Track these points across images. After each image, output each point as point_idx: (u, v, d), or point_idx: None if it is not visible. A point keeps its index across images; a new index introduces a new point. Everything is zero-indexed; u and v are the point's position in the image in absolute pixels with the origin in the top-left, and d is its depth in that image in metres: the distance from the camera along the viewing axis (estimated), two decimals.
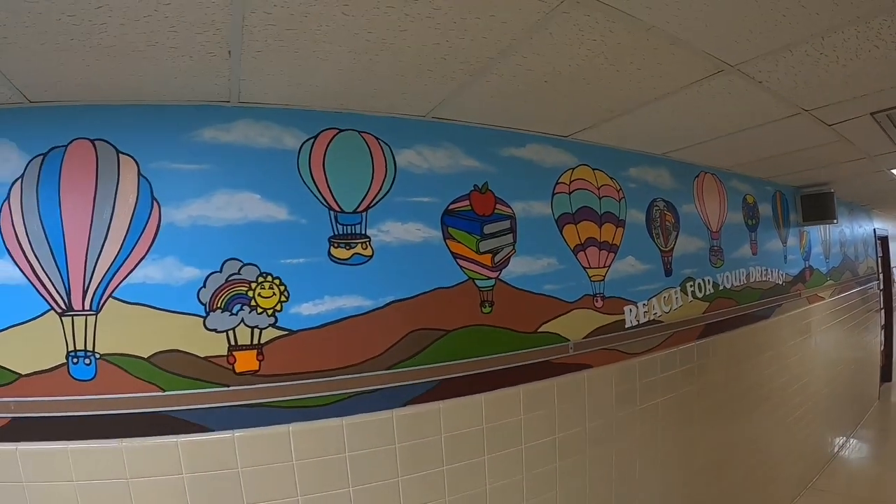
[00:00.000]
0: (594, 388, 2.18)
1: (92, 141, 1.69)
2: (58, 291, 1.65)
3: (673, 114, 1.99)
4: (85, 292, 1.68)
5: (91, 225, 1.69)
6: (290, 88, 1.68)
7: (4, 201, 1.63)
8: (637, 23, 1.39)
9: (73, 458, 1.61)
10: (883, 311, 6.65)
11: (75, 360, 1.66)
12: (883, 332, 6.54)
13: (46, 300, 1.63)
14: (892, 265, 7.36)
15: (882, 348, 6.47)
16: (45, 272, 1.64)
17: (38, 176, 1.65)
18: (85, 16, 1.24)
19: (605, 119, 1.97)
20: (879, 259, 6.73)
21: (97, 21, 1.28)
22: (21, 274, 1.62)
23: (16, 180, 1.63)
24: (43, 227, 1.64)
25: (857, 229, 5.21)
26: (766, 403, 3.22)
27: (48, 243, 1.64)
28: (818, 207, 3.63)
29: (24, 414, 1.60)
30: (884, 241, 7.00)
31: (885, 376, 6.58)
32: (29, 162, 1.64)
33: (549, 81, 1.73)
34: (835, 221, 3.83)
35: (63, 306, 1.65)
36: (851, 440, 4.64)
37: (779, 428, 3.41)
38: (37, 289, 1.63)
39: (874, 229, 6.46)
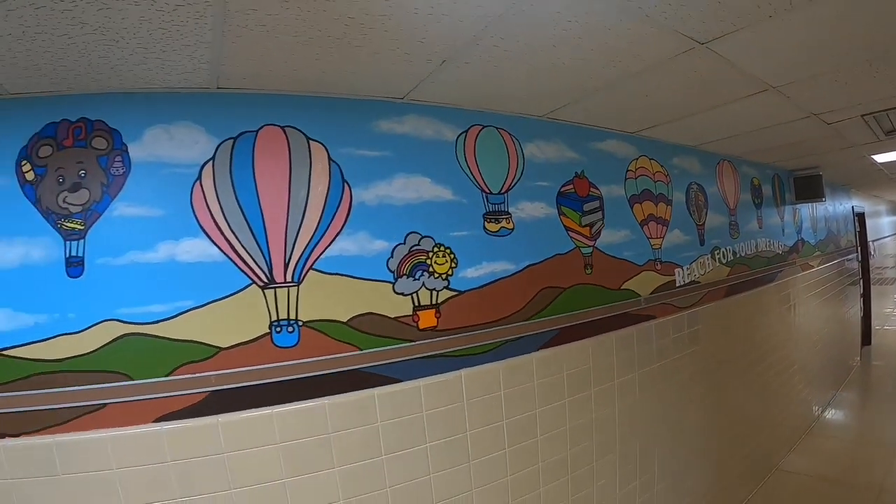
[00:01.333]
0: (659, 335, 1.80)
1: (282, 128, 1.07)
2: (259, 266, 1.03)
3: (718, 118, 1.64)
4: (286, 266, 1.05)
5: (288, 205, 1.06)
6: (455, 91, 1.20)
7: (196, 181, 0.99)
8: (722, 61, 1.11)
9: (278, 422, 1.03)
10: (861, 280, 4.98)
11: (278, 329, 1.04)
12: (862, 300, 4.90)
13: (248, 275, 1.02)
14: (868, 239, 5.49)
15: (862, 315, 4.83)
16: (245, 249, 1.01)
17: (231, 158, 1.02)
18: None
19: (666, 122, 1.64)
20: (857, 234, 5.02)
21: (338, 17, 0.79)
22: (219, 251, 1.00)
23: (206, 162, 1.00)
24: (241, 208, 1.02)
25: (838, 207, 4.16)
26: (776, 352, 2.66)
27: (247, 222, 1.02)
28: (809, 188, 2.97)
29: (225, 386, 0.99)
30: (861, 217, 5.27)
31: (866, 340, 4.95)
32: (219, 145, 1.02)
33: (640, 98, 1.36)
34: (823, 200, 3.05)
35: (265, 280, 1.03)
36: (845, 383, 3.75)
37: (788, 370, 2.80)
38: (237, 265, 1.01)
39: (852, 206, 4.89)
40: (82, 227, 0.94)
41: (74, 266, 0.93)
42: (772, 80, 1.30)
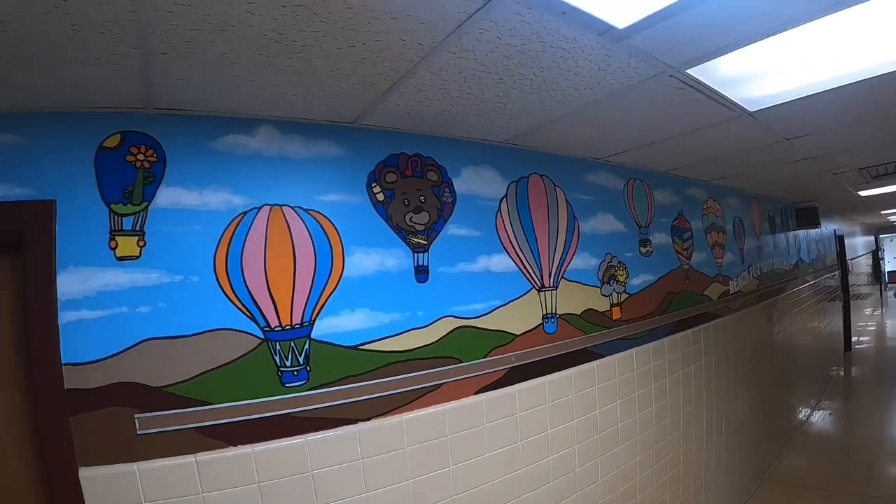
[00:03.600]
0: (722, 331, 2.43)
1: (541, 176, 1.55)
2: (536, 275, 1.48)
3: (768, 176, 2.33)
4: (550, 275, 1.51)
5: (548, 231, 1.52)
6: (632, 160, 1.78)
7: (497, 212, 1.41)
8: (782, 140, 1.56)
9: (548, 388, 1.48)
10: (842, 294, 5.87)
11: (547, 320, 1.49)
12: (843, 311, 5.79)
13: (530, 281, 1.46)
14: (847, 258, 6.51)
15: (843, 325, 5.71)
16: (528, 263, 1.46)
17: (516, 196, 1.46)
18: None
19: (731, 175, 2.31)
20: (838, 254, 5.95)
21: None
22: (514, 264, 1.43)
23: (502, 198, 1.44)
24: (524, 232, 1.46)
25: (824, 231, 4.92)
26: (792, 344, 3.46)
27: (528, 243, 1.47)
28: (807, 217, 3.69)
29: (519, 363, 1.41)
30: (840, 239, 6.21)
31: (847, 346, 5.84)
32: (507, 185, 1.45)
33: (719, 158, 1.96)
34: (819, 226, 3.75)
35: (539, 285, 1.48)
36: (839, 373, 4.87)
37: (802, 356, 3.69)
38: (524, 274, 1.45)
39: (834, 230, 5.78)
40: (426, 243, 1.28)
41: (421, 273, 1.26)
42: (812, 153, 1.99)
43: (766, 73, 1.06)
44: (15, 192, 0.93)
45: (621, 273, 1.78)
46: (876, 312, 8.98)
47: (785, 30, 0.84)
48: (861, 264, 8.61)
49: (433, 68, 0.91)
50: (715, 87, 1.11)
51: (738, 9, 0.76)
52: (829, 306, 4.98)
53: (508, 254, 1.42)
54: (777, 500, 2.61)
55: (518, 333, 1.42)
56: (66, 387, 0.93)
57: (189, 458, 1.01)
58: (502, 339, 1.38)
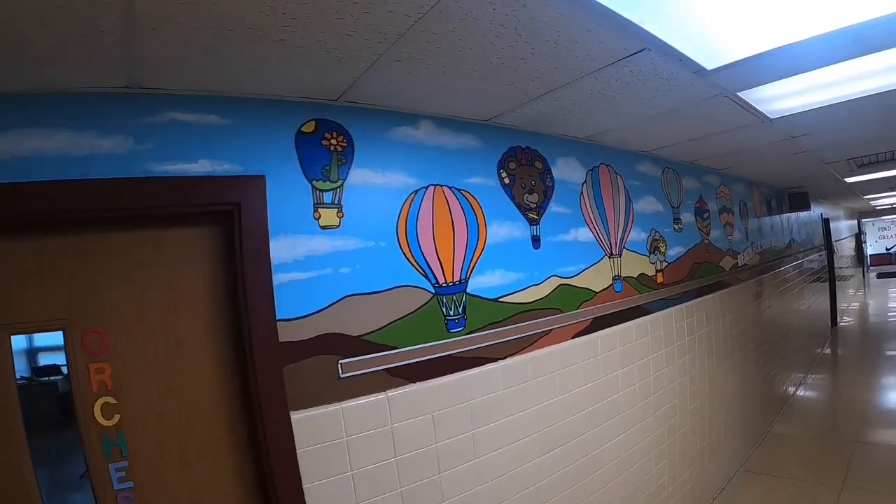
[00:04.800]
0: (733, 297, 2.92)
1: (607, 165, 1.99)
2: (607, 245, 1.92)
3: (771, 166, 2.84)
4: (616, 245, 1.96)
5: (614, 210, 1.97)
6: (671, 151, 2.17)
7: (580, 195, 1.84)
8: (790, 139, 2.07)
9: (618, 336, 1.91)
10: (828, 273, 6.34)
11: (615, 281, 1.93)
12: (829, 290, 6.31)
13: (604, 250, 1.90)
14: (832, 239, 7.08)
15: (830, 302, 6.30)
16: (602, 235, 1.90)
17: (591, 181, 1.90)
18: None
19: (742, 165, 2.80)
20: (824, 235, 6.44)
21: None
22: (592, 236, 1.86)
23: (583, 182, 1.86)
24: (598, 211, 1.90)
25: (811, 214, 5.43)
26: (787, 314, 4.01)
27: (602, 219, 1.92)
28: (799, 201, 4.16)
29: (599, 314, 1.84)
30: (826, 222, 6.67)
31: (833, 321, 6.47)
32: (586, 173, 1.89)
33: (735, 152, 2.44)
34: (810, 210, 4.31)
35: (609, 253, 1.92)
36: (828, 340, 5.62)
37: (799, 321, 4.30)
38: (600, 244, 1.89)
39: (821, 213, 6.25)
40: (537, 217, 1.69)
41: (535, 242, 1.68)
42: (810, 147, 2.49)
43: (795, 92, 1.50)
44: (224, 168, 1.09)
45: (662, 245, 2.24)
46: (859, 293, 9.88)
47: (819, 67, 1.28)
48: (845, 247, 9.34)
49: (574, 88, 1.30)
50: (752, 103, 1.56)
51: (789, 57, 1.19)
52: (818, 282, 5.61)
53: (589, 227, 1.86)
54: (796, 423, 3.23)
55: (598, 291, 1.86)
56: (280, 340, 1.10)
57: (381, 395, 1.23)
58: (587, 295, 1.82)
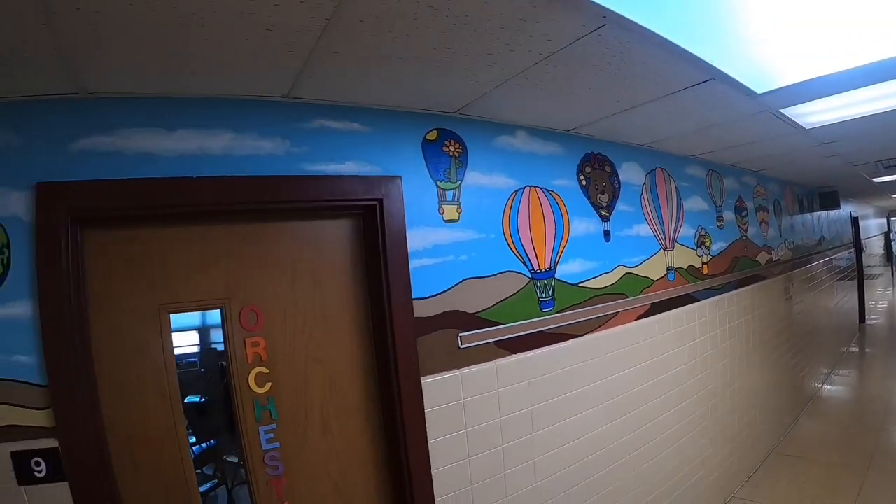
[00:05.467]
0: (768, 289, 3.18)
1: (662, 169, 2.29)
2: (662, 239, 2.22)
3: (804, 166, 3.08)
4: (670, 239, 2.27)
5: (668, 208, 2.28)
6: (716, 156, 2.44)
7: (640, 195, 2.13)
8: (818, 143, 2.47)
9: (672, 319, 2.20)
10: (857, 271, 6.49)
11: (668, 271, 2.23)
12: (858, 287, 6.44)
13: (659, 243, 2.20)
14: (861, 237, 7.21)
15: (858, 299, 6.41)
16: (659, 230, 2.20)
17: (649, 183, 2.20)
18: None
19: (775, 167, 3.06)
20: (853, 233, 6.66)
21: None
22: (650, 231, 2.16)
23: (643, 183, 2.15)
24: (655, 209, 2.20)
25: (841, 213, 5.60)
26: (817, 306, 4.25)
27: (658, 216, 2.21)
28: (829, 200, 4.36)
29: (657, 300, 2.13)
30: (855, 220, 6.88)
31: (861, 318, 6.56)
32: (645, 175, 2.18)
33: (771, 156, 2.62)
34: (839, 209, 4.50)
35: (664, 246, 2.22)
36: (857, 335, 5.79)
37: (827, 317, 4.56)
38: (657, 238, 2.19)
39: (850, 212, 6.46)
40: (608, 214, 1.99)
41: (606, 235, 1.98)
42: (839, 152, 2.78)
43: (830, 108, 1.80)
44: (367, 169, 1.30)
45: (707, 240, 2.54)
46: (888, 291, 9.90)
47: (854, 89, 1.57)
48: (874, 245, 9.51)
49: (647, 107, 1.60)
50: (791, 117, 1.86)
51: (830, 82, 1.49)
52: (847, 279, 5.77)
53: (648, 224, 2.17)
54: (823, 414, 3.50)
55: (655, 279, 2.17)
56: (414, 316, 1.34)
57: (491, 364, 1.48)
58: (647, 283, 2.13)
